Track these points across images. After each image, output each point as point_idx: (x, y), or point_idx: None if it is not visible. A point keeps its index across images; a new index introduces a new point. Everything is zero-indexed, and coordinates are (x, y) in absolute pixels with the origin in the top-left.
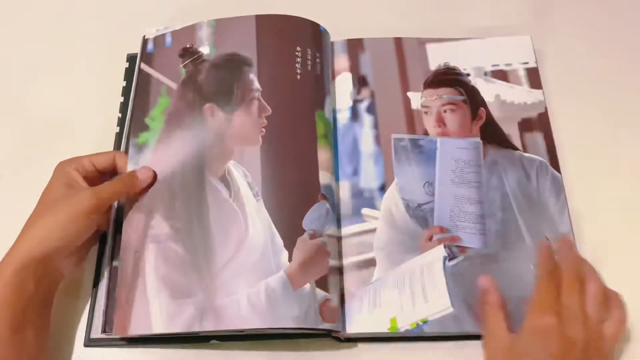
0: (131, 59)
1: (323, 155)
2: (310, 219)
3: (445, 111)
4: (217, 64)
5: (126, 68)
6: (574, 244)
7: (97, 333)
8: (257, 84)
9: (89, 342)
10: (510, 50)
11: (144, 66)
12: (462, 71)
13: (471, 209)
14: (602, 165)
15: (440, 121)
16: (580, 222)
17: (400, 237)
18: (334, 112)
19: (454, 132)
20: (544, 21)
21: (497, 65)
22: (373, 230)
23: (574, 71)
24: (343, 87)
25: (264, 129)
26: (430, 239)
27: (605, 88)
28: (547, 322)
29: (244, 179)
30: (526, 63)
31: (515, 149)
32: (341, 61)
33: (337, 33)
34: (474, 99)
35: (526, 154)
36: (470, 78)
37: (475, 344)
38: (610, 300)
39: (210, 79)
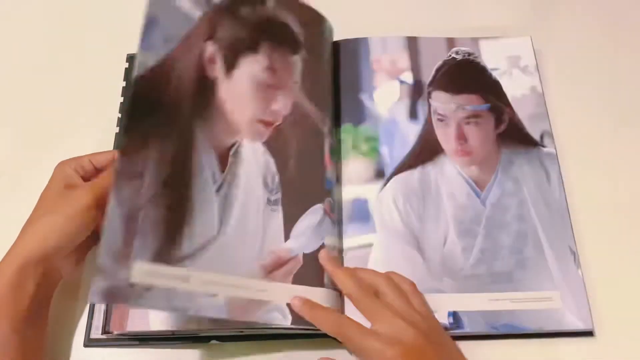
0: (131, 59)
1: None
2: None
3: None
4: None
5: (126, 68)
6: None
7: (97, 333)
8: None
9: (89, 342)
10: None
11: None
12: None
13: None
14: (603, 164)
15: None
16: (579, 219)
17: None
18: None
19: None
20: (544, 21)
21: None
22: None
23: (573, 71)
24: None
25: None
26: None
27: (606, 88)
28: (400, 325)
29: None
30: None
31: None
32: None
33: (339, 32)
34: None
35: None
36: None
37: (476, 344)
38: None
39: None
